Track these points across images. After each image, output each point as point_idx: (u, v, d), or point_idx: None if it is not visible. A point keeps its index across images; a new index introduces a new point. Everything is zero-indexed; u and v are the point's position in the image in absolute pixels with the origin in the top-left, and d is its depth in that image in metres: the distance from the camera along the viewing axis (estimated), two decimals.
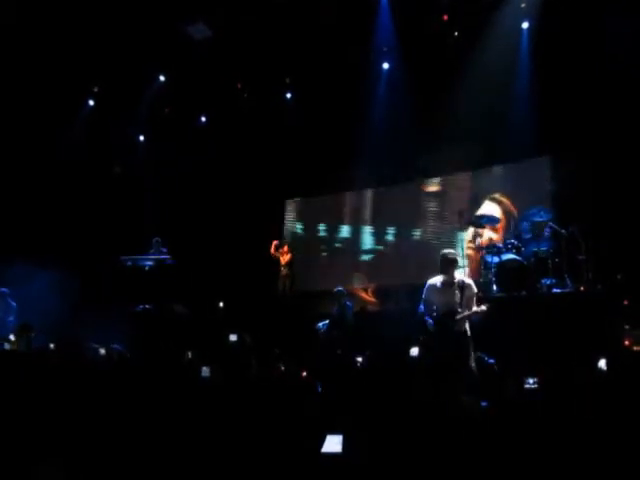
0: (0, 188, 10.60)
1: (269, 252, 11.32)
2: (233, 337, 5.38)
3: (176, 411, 4.13)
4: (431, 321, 6.06)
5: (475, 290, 6.14)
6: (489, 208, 11.06)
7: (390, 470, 2.86)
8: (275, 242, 11.40)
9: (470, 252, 10.38)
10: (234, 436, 3.57)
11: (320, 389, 4.19)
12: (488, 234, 10.37)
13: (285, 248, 11.40)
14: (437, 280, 6.23)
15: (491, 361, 6.56)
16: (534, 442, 2.58)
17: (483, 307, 5.97)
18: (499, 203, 11.21)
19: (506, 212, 10.94)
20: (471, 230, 10.20)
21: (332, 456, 2.97)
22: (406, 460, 2.89)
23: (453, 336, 5.92)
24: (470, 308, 5.99)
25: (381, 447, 2.99)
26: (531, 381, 4.16)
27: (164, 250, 10.52)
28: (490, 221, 9.05)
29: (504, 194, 10.82)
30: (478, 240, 9.82)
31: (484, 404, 3.40)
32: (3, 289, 9.04)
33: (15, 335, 8.34)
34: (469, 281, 6.23)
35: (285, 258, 11.25)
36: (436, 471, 2.80)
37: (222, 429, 3.72)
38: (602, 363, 4.82)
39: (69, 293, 9.72)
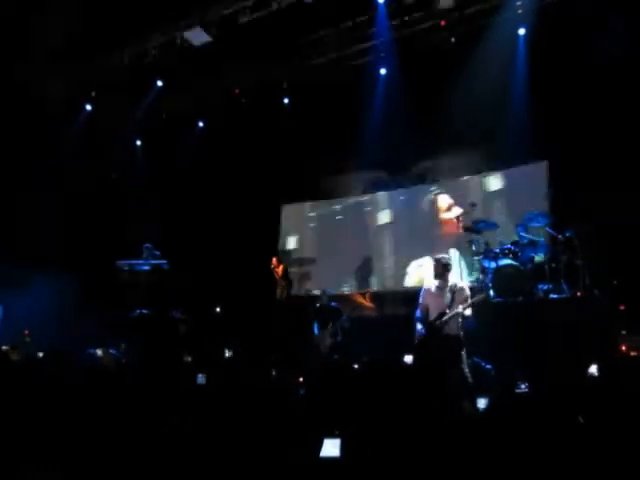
0: None
1: (270, 268, 11.26)
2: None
3: (171, 417, 4.11)
4: (420, 328, 6.09)
5: (467, 293, 6.15)
6: None
7: (386, 473, 2.86)
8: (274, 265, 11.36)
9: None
10: (231, 441, 3.55)
11: (314, 393, 4.18)
12: None
13: (274, 261, 11.28)
14: (432, 284, 6.27)
15: (488, 367, 6.56)
16: (525, 446, 2.57)
17: (467, 312, 5.98)
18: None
19: None
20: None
21: (330, 460, 2.97)
22: (402, 463, 2.88)
23: (443, 339, 5.94)
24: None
25: (377, 451, 2.98)
26: (523, 386, 4.15)
27: (157, 254, 10.48)
28: (488, 226, 9.02)
29: None
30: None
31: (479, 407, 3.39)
32: None
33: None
34: (462, 284, 6.27)
35: (279, 270, 11.16)
36: (431, 475, 2.80)
37: (218, 434, 3.70)
38: (593, 369, 4.80)
39: (65, 298, 9.71)
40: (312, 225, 12.96)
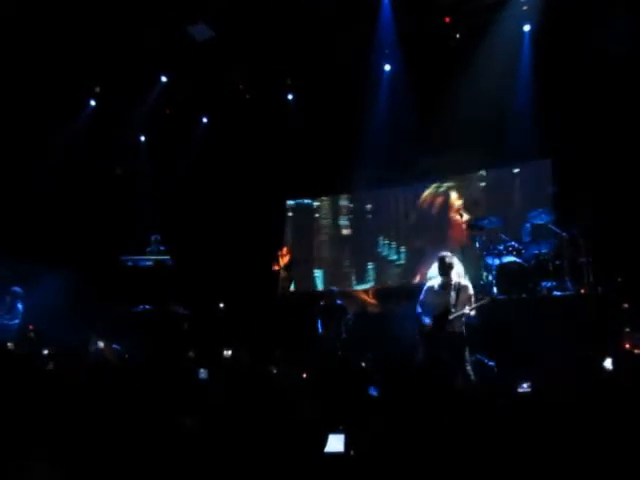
0: (1, 188, 10.59)
1: (273, 261, 11.25)
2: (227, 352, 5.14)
3: (173, 413, 4.11)
4: (428, 320, 6.07)
5: (471, 292, 6.15)
6: None
7: (391, 469, 2.87)
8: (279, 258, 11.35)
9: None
10: (234, 437, 3.55)
11: (320, 389, 4.19)
12: None
13: (284, 250, 11.34)
14: (435, 282, 6.27)
15: (491, 364, 6.56)
16: (529, 444, 2.57)
17: (472, 313, 5.98)
18: None
19: None
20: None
21: (335, 456, 2.98)
22: (406, 459, 2.89)
23: (447, 336, 5.94)
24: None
25: (383, 446, 2.99)
26: (525, 385, 4.12)
27: (162, 248, 10.49)
28: (491, 223, 9.00)
29: None
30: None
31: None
32: (17, 289, 8.92)
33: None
34: (465, 283, 6.26)
35: (284, 260, 11.20)
36: (435, 470, 2.80)
37: (221, 431, 3.71)
38: (608, 363, 4.81)
39: (69, 293, 9.70)
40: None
